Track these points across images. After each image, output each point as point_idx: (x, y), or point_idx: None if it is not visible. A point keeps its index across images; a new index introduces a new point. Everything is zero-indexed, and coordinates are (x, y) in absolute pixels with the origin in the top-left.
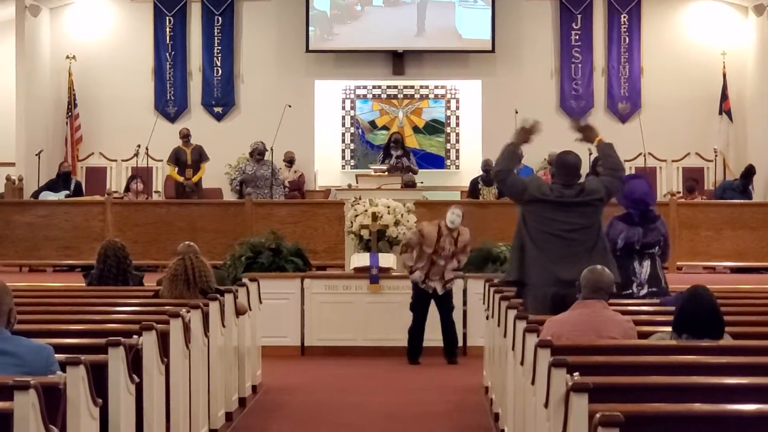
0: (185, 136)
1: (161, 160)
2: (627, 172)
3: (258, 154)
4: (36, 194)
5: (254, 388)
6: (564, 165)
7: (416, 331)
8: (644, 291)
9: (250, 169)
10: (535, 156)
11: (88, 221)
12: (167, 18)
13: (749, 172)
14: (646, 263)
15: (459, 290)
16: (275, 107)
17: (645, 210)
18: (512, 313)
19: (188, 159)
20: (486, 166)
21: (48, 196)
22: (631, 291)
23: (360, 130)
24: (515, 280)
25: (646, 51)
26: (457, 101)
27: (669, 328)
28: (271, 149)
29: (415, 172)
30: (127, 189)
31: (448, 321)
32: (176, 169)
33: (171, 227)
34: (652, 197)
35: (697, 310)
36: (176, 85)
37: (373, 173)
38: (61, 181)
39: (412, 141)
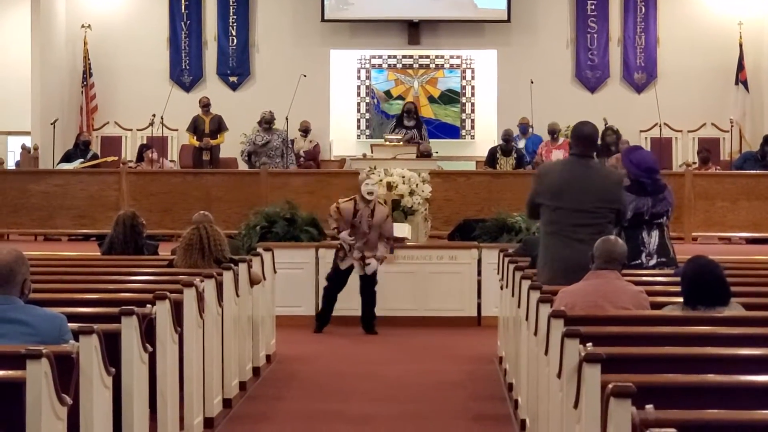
0: (205, 105)
1: (176, 130)
2: (644, 144)
3: (265, 123)
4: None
5: (268, 357)
6: (581, 136)
7: (328, 306)
8: (653, 261)
9: (260, 140)
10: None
11: (103, 190)
12: None
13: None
14: (655, 233)
15: (473, 261)
16: (290, 77)
17: (656, 178)
18: (526, 284)
19: (206, 128)
20: (506, 135)
21: (64, 167)
22: (640, 261)
23: (375, 100)
24: None
25: (663, 21)
26: (473, 71)
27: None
28: (286, 119)
29: (426, 149)
30: (140, 158)
31: (368, 293)
32: (194, 137)
33: (186, 197)
34: (658, 164)
35: (709, 280)
36: (191, 54)
37: (387, 143)
38: (80, 150)
39: (427, 111)
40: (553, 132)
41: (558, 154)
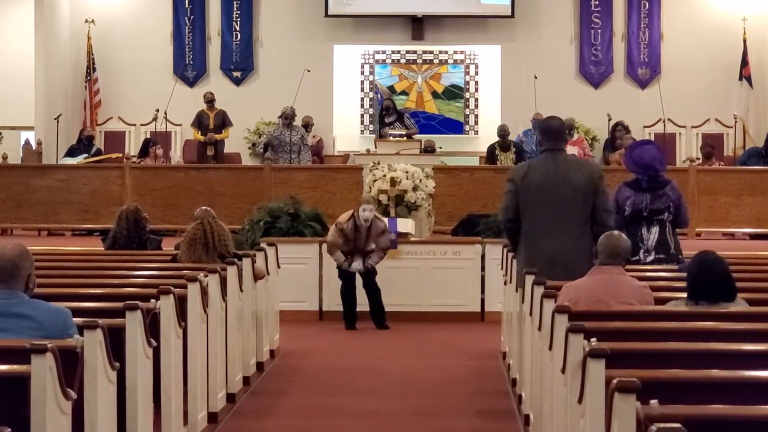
0: (210, 100)
1: (180, 125)
2: (645, 138)
3: (286, 118)
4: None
5: (272, 352)
6: (551, 130)
7: (347, 295)
8: (651, 257)
9: (278, 133)
10: None
11: (106, 185)
12: None
13: None
14: (655, 229)
15: (477, 256)
16: (294, 72)
17: (653, 175)
18: (530, 279)
19: (211, 123)
20: (502, 131)
21: (67, 162)
22: (637, 257)
23: (379, 95)
24: None
25: (666, 16)
26: (476, 66)
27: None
28: None
29: (414, 133)
30: (143, 154)
31: (373, 287)
32: (199, 132)
33: (190, 192)
34: (661, 162)
35: (712, 275)
36: (195, 49)
37: (391, 139)
38: (83, 146)
39: (431, 106)
40: (569, 128)
41: (572, 150)
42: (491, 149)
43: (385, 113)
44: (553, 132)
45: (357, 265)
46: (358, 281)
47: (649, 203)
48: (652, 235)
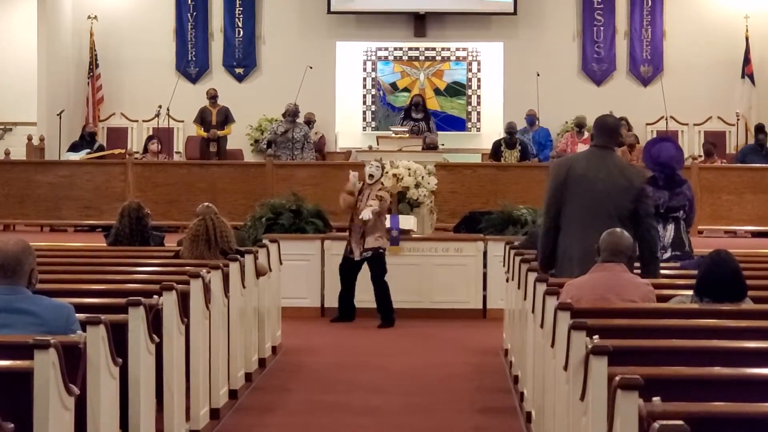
0: (212, 97)
1: (182, 121)
2: (649, 137)
3: (290, 115)
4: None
5: (274, 348)
6: (605, 127)
7: (344, 295)
8: (667, 254)
9: (282, 130)
10: (555, 120)
11: (109, 181)
12: None
13: (760, 129)
14: (670, 227)
15: (479, 253)
16: (297, 68)
17: (671, 174)
18: (532, 276)
19: (213, 119)
20: (510, 128)
21: (70, 157)
22: None
23: (381, 92)
24: None
25: (669, 14)
26: (479, 63)
27: (689, 292)
28: None
29: (434, 140)
30: (146, 150)
31: (376, 284)
32: (201, 128)
33: (192, 188)
34: (678, 161)
35: (719, 275)
36: (197, 45)
37: (393, 135)
38: (86, 142)
39: (433, 103)
40: (581, 126)
41: (583, 148)
42: (496, 145)
43: (414, 108)
44: (606, 129)
45: (357, 249)
46: (364, 283)
47: (667, 201)
48: (668, 233)
